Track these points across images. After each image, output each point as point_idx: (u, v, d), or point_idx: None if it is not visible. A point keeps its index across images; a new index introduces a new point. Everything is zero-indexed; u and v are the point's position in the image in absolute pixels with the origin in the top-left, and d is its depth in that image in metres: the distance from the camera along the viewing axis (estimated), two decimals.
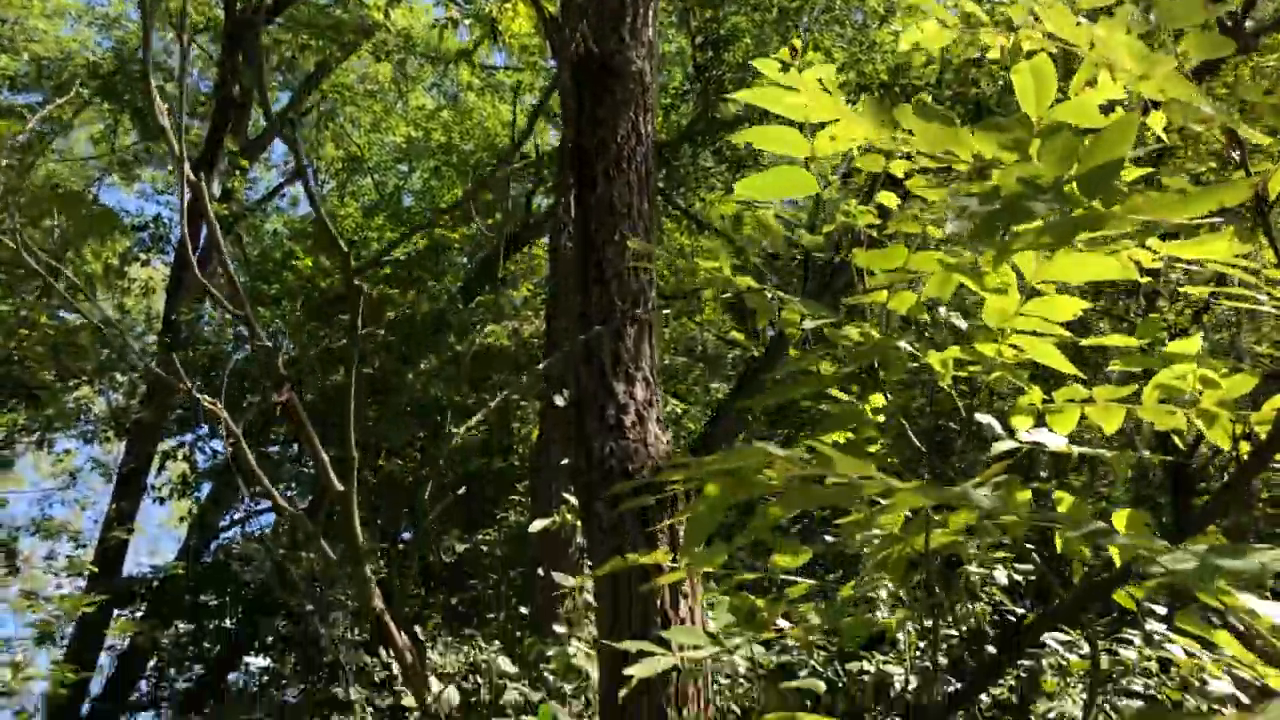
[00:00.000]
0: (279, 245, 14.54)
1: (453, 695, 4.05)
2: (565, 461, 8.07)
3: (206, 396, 3.41)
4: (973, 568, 2.63)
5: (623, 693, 2.36)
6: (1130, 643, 4.76)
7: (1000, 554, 1.99)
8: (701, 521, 1.56)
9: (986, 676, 1.82)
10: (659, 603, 2.78)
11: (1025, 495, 2.25)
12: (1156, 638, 4.73)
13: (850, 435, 2.10)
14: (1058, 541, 2.31)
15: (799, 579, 1.87)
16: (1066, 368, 2.25)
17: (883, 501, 1.73)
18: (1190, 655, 4.31)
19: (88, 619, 11.85)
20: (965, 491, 1.25)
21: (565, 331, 9.26)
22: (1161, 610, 4.85)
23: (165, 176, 19.99)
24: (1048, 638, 4.91)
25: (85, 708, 13.56)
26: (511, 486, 13.56)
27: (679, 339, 14.71)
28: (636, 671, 1.90)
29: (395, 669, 7.28)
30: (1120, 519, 2.20)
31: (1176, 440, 2.33)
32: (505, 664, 4.70)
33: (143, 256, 15.92)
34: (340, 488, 2.39)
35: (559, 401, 8.13)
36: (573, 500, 7.64)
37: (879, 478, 1.16)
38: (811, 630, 1.94)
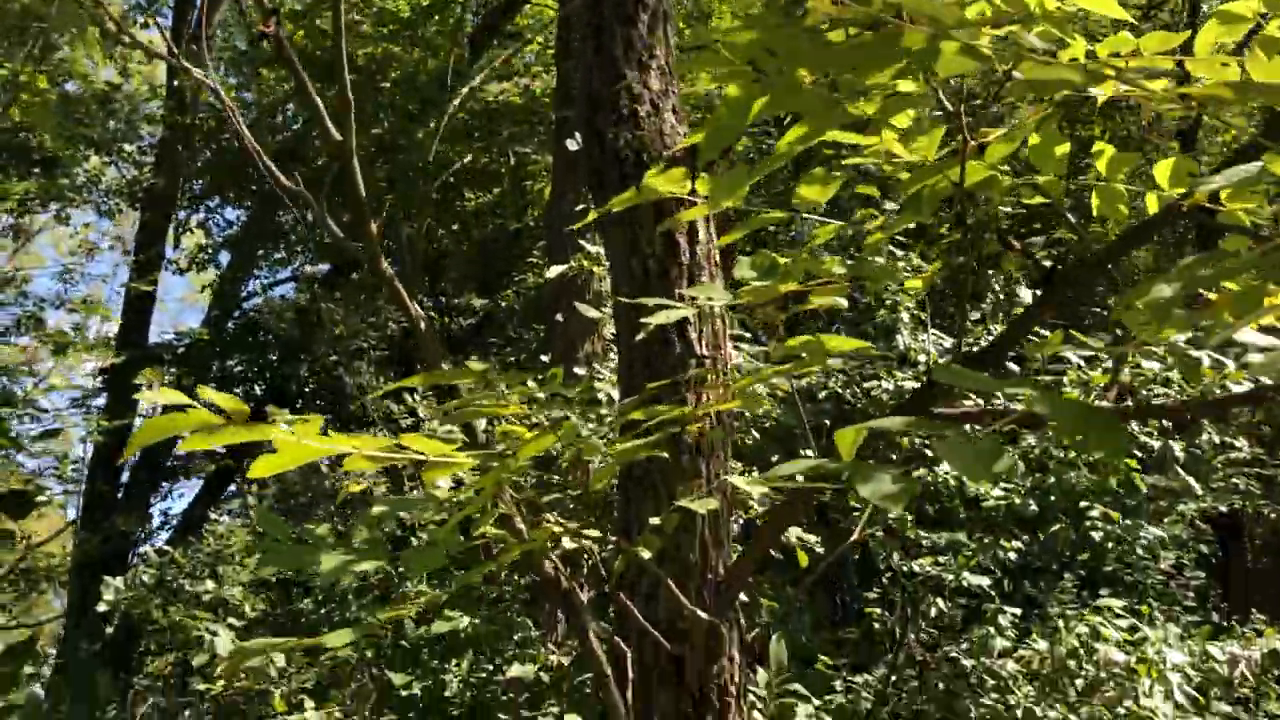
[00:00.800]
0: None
1: (479, 427, 4.09)
2: (580, 208, 7.93)
3: (209, 80, 3.25)
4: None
5: (639, 337, 2.33)
6: (1153, 353, 4.74)
7: (1035, 199, 1.87)
8: (722, 131, 1.45)
9: (1022, 323, 1.75)
10: (676, 252, 2.72)
11: (1064, 147, 2.13)
12: (1181, 346, 4.72)
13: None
14: (1094, 202, 2.21)
15: (826, 219, 1.78)
16: (1116, 12, 2.07)
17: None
18: (1218, 363, 4.28)
19: (118, 382, 12.15)
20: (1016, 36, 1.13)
21: (576, 81, 8.91)
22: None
23: None
24: (1068, 352, 4.90)
25: (124, 476, 14.10)
26: (527, 250, 13.49)
27: (691, 100, 14.23)
28: (655, 320, 1.84)
29: (420, 412, 7.42)
30: (1163, 168, 2.09)
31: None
32: (532, 388, 4.72)
33: (140, 19, 15.35)
34: (338, 137, 2.29)
35: (571, 146, 7.92)
36: (590, 248, 7.57)
37: None
38: (837, 282, 1.87)
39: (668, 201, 2.80)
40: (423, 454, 1.72)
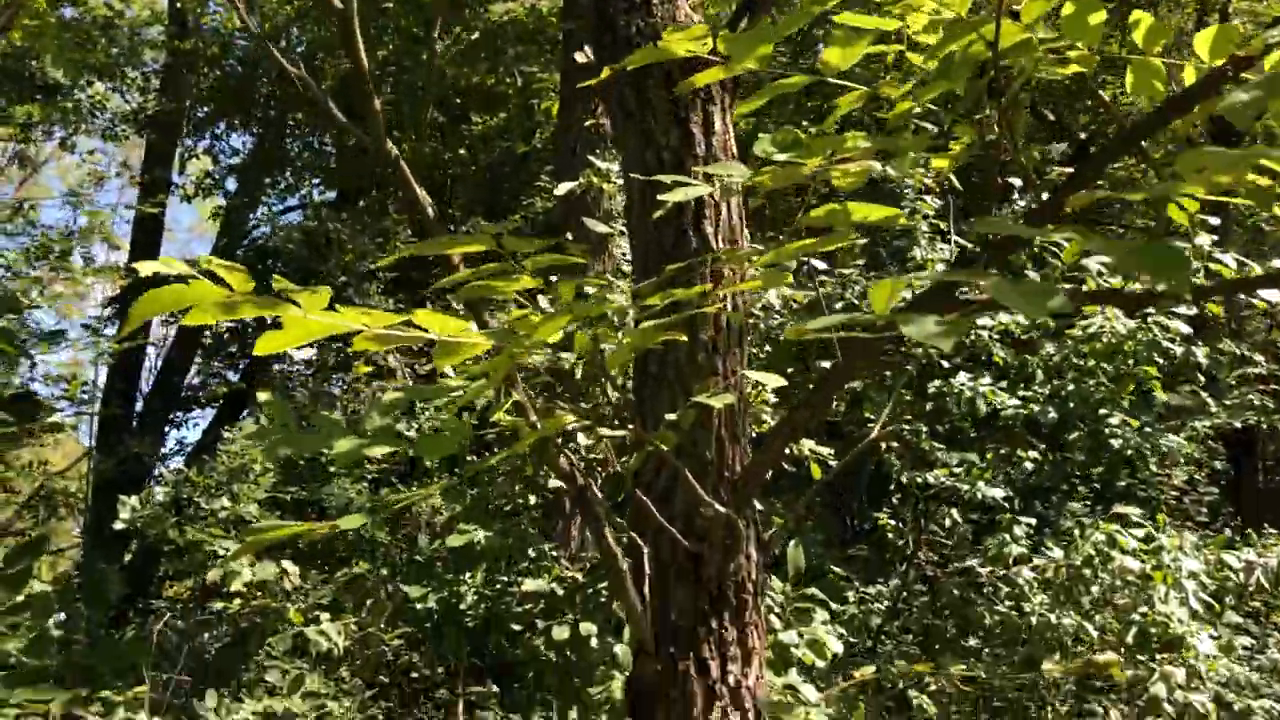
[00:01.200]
0: None
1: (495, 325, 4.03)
2: (588, 123, 7.80)
3: None
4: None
5: (656, 215, 2.27)
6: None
7: (1063, 71, 1.79)
8: None
9: (1053, 203, 1.67)
10: (691, 143, 2.64)
11: (1099, 16, 2.03)
12: (1206, 249, 4.64)
13: None
14: (1128, 78, 2.12)
15: (850, 84, 1.70)
16: None
17: None
18: (1241, 264, 4.20)
19: (128, 308, 12.13)
20: None
21: None
22: (1214, 220, 4.72)
23: None
24: (1090, 261, 4.82)
25: (139, 406, 14.14)
26: (535, 174, 13.33)
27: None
28: (672, 197, 1.77)
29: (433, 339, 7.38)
30: (1204, 38, 1.99)
31: None
32: (544, 303, 4.67)
33: None
34: (339, 4, 2.20)
35: (580, 59, 7.75)
36: (599, 164, 7.45)
37: None
38: (863, 157, 1.79)
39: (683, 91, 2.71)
40: (432, 333, 1.67)
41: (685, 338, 2.06)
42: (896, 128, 1.83)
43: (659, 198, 1.82)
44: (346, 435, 1.88)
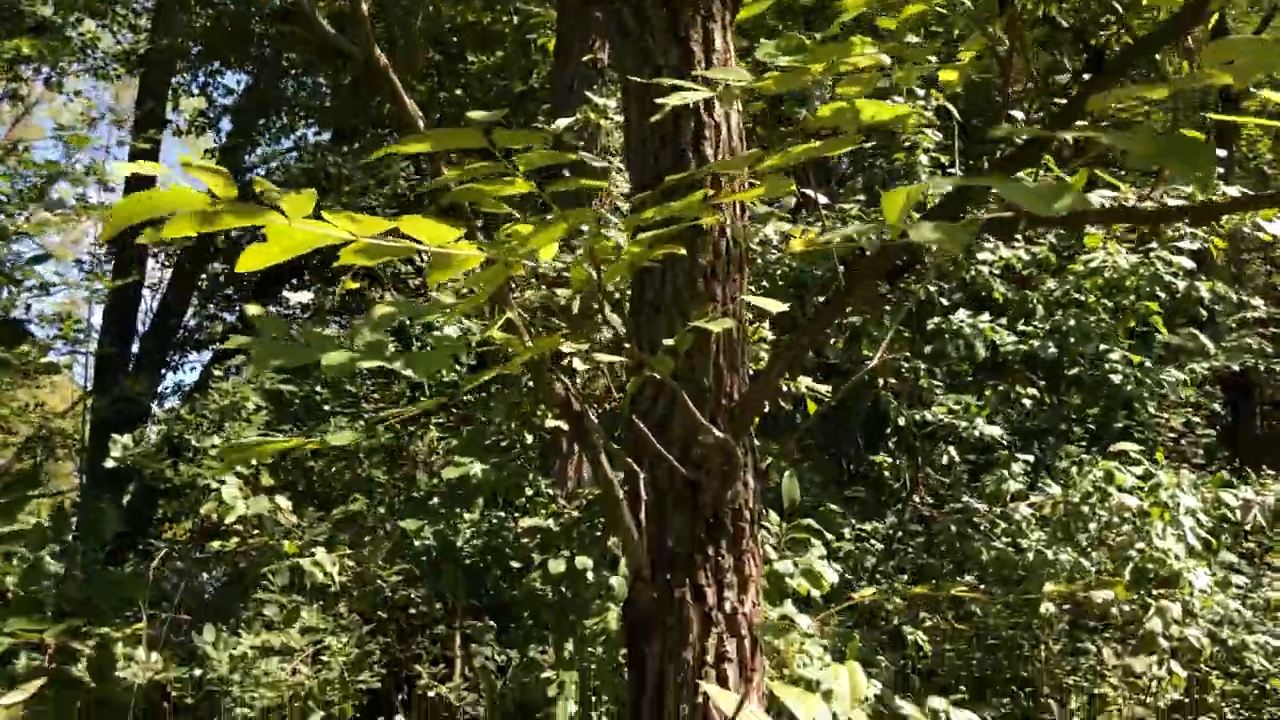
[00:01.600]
0: None
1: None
2: (585, 59, 7.68)
3: None
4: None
5: (653, 119, 2.21)
6: (1181, 193, 4.61)
7: None
8: None
9: (1068, 112, 1.62)
10: (691, 62, 2.58)
11: None
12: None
13: None
14: None
15: None
16: None
17: None
18: (1250, 196, 4.14)
19: (123, 249, 12.05)
20: None
21: None
22: (1222, 152, 4.66)
23: None
24: (1094, 196, 4.75)
25: (135, 348, 14.09)
26: (533, 114, 13.17)
27: None
28: (669, 100, 1.72)
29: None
30: None
31: None
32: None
33: None
34: None
35: None
36: (597, 100, 7.34)
37: None
38: (875, 70, 1.73)
39: (683, 8, 2.64)
40: (423, 243, 1.62)
41: (684, 251, 2.02)
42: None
43: (657, 101, 1.76)
44: (337, 348, 1.84)
